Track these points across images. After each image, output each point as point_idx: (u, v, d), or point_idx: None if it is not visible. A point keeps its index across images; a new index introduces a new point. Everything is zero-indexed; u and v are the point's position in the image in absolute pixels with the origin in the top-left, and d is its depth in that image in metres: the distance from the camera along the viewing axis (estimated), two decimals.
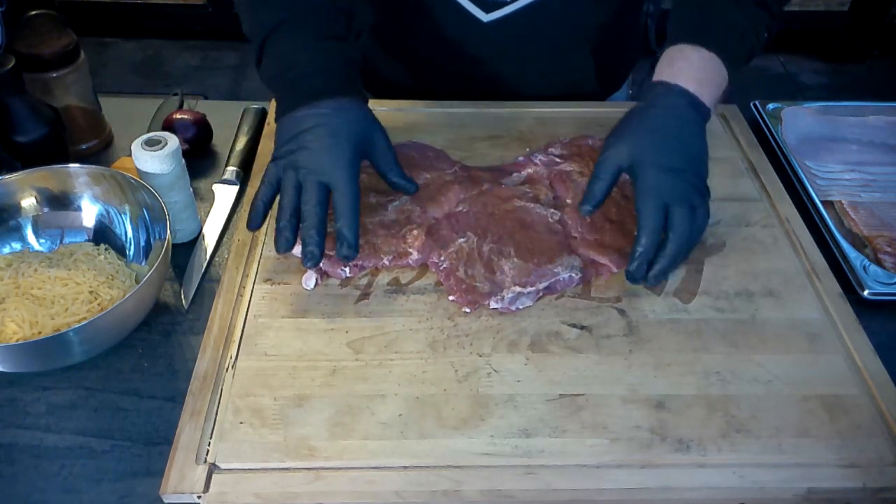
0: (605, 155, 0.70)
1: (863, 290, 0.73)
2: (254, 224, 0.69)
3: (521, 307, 0.69)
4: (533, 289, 0.68)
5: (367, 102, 0.72)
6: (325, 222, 0.66)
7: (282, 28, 0.72)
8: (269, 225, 0.77)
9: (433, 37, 0.91)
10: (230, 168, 0.85)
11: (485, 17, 0.88)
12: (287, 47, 0.72)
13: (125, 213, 0.74)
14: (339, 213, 0.66)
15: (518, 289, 0.68)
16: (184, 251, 0.76)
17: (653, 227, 0.66)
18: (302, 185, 0.67)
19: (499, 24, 0.88)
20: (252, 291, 0.70)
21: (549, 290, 0.70)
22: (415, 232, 0.73)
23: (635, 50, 1.05)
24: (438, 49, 0.92)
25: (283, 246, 0.67)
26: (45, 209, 0.74)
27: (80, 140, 0.89)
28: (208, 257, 0.76)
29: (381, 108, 0.92)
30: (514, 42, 0.91)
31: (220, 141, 0.90)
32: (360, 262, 0.71)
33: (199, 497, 0.55)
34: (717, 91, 0.72)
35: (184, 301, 0.72)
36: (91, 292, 0.67)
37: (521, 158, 0.83)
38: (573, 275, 0.70)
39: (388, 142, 0.72)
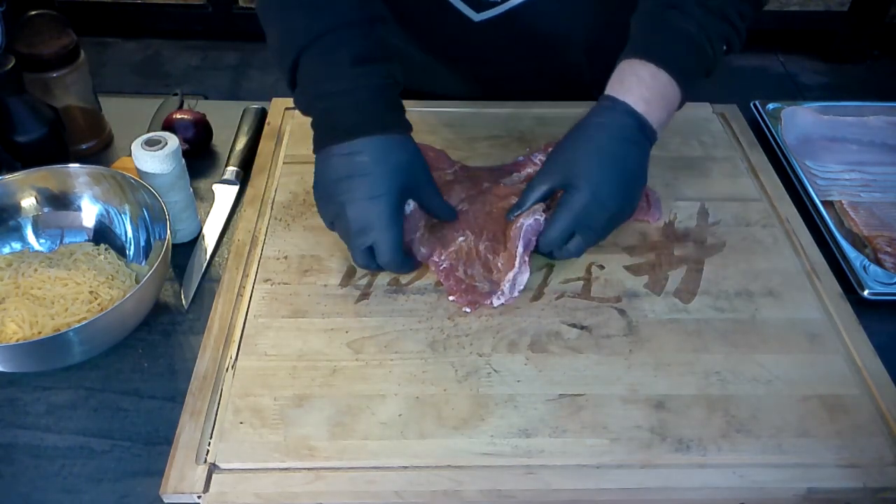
0: (543, 170, 0.71)
1: (863, 290, 0.73)
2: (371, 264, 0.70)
3: (520, 290, 0.69)
4: (518, 263, 0.69)
5: (409, 131, 0.69)
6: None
7: (313, 49, 0.66)
8: (269, 225, 0.77)
9: (425, 37, 0.91)
10: (230, 168, 0.85)
11: (476, 17, 0.88)
12: (319, 74, 0.67)
13: (125, 213, 0.74)
14: (386, 267, 0.69)
15: (510, 275, 0.69)
16: (184, 251, 0.76)
17: (552, 243, 0.69)
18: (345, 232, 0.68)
19: (490, 23, 0.88)
20: (252, 291, 0.70)
21: (527, 248, 0.70)
22: (418, 234, 0.73)
23: None
24: (430, 49, 0.92)
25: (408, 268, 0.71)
26: (45, 209, 0.74)
27: (80, 140, 0.89)
28: (208, 257, 0.76)
29: None
30: (507, 42, 0.90)
31: (220, 141, 0.90)
32: None
33: (199, 497, 0.55)
34: (667, 111, 0.70)
35: (184, 301, 0.72)
36: (91, 292, 0.67)
37: (521, 158, 0.83)
38: (537, 217, 0.70)
39: (429, 175, 0.71)
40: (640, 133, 0.69)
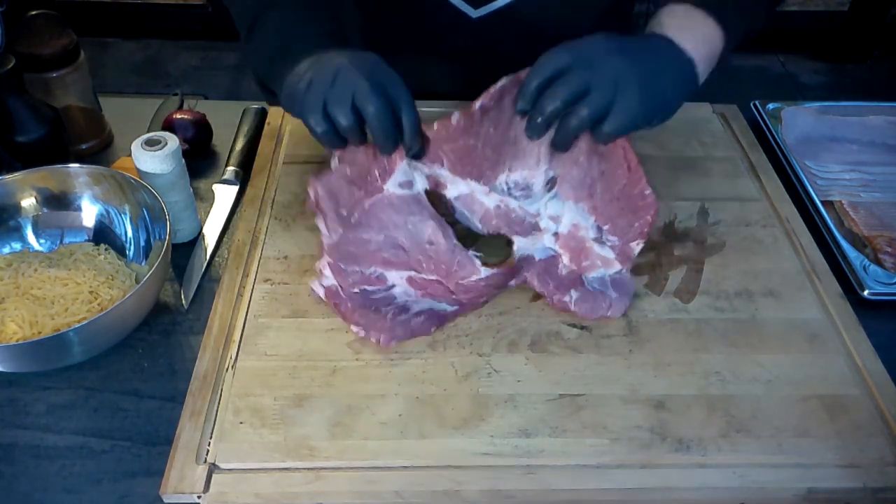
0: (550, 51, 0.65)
1: (863, 290, 0.73)
2: (350, 131, 0.63)
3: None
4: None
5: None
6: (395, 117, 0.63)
7: (269, 11, 0.70)
8: (269, 225, 0.77)
9: (422, 34, 0.91)
10: (230, 168, 0.85)
11: (473, 14, 0.88)
12: (274, 25, 0.69)
13: (125, 213, 0.74)
14: (402, 108, 0.62)
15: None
16: (184, 251, 0.76)
17: (538, 70, 0.63)
18: (358, 100, 0.61)
19: (488, 20, 0.88)
20: (252, 291, 0.70)
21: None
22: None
23: None
24: (427, 46, 0.92)
25: (357, 137, 0.63)
26: (45, 209, 0.74)
27: (80, 140, 0.89)
28: (208, 257, 0.76)
29: None
30: (504, 38, 0.90)
31: (220, 141, 0.90)
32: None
33: (199, 497, 0.55)
34: (704, 44, 0.66)
35: (184, 301, 0.72)
36: (91, 292, 0.67)
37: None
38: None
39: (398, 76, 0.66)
40: (669, 47, 0.65)
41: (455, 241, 0.68)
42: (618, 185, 0.71)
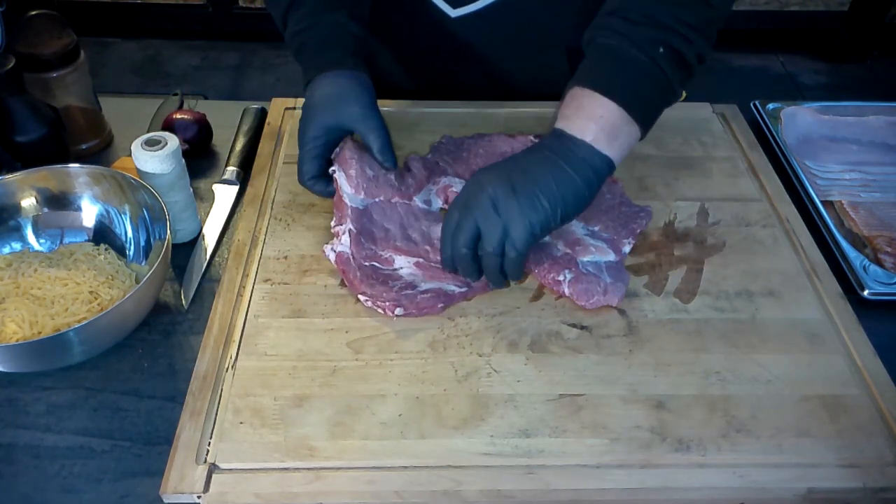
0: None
1: (863, 290, 0.73)
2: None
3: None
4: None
5: (364, 72, 0.77)
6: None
7: (295, 3, 0.78)
8: (269, 225, 0.77)
9: (401, 32, 0.91)
10: (230, 168, 0.85)
11: (452, 13, 0.88)
12: (302, 19, 0.77)
13: (125, 213, 0.74)
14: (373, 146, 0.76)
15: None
16: (184, 251, 0.76)
17: (443, 237, 0.68)
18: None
19: (467, 19, 0.88)
20: (252, 291, 0.70)
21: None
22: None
23: None
24: (407, 44, 0.92)
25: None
26: (45, 209, 0.74)
27: (80, 140, 0.89)
28: (208, 257, 0.76)
29: (383, 108, 0.92)
30: (483, 38, 0.90)
31: (220, 141, 0.90)
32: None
33: (199, 497, 0.55)
34: (592, 121, 0.64)
35: (184, 301, 0.72)
36: (91, 292, 0.67)
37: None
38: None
39: (370, 112, 0.75)
40: (556, 142, 0.65)
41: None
42: (606, 203, 0.77)
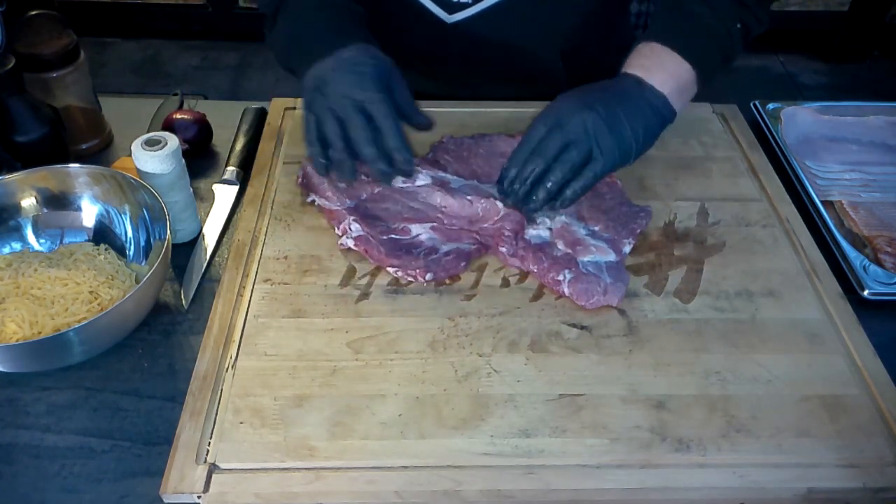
0: (543, 114, 0.72)
1: (863, 290, 0.73)
2: (321, 166, 0.71)
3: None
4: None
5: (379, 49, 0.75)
6: (377, 141, 0.69)
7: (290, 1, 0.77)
8: (269, 225, 0.77)
9: (398, 38, 0.91)
10: (230, 168, 0.85)
11: (448, 19, 0.88)
12: (302, 11, 0.76)
13: (125, 213, 0.74)
14: (385, 133, 0.68)
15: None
16: (184, 251, 0.76)
17: (518, 153, 0.70)
18: (342, 117, 0.69)
19: (463, 25, 0.88)
20: (252, 291, 0.70)
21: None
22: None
23: (622, 53, 1.04)
24: (403, 50, 0.92)
25: (349, 172, 0.70)
26: (45, 209, 0.74)
27: (80, 140, 0.89)
28: (208, 257, 0.76)
29: None
30: (479, 44, 0.90)
31: (220, 141, 0.90)
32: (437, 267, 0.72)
33: (199, 497, 0.55)
34: (672, 78, 0.72)
35: (184, 301, 0.72)
36: (91, 292, 0.67)
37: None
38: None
39: (400, 76, 0.74)
40: (637, 88, 0.71)
41: (466, 197, 0.76)
42: (606, 203, 0.78)
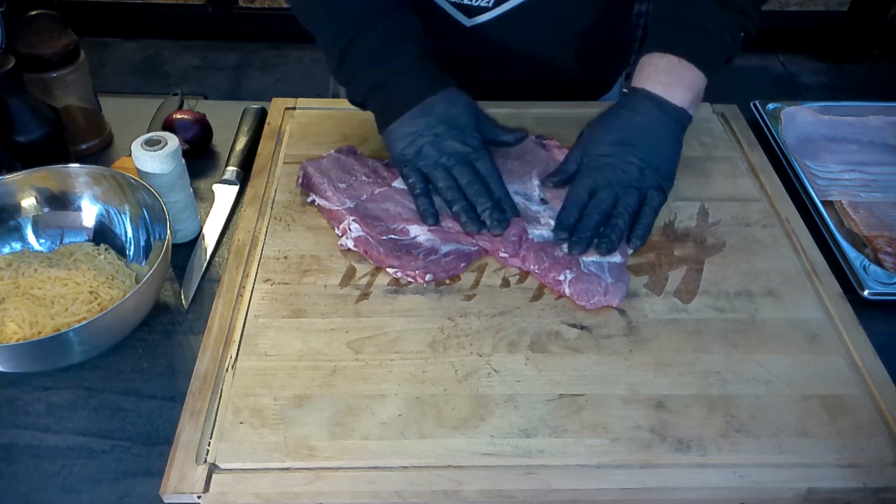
0: (567, 157, 0.78)
1: (863, 290, 0.73)
2: (433, 220, 0.74)
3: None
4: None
5: (454, 86, 0.78)
6: (489, 191, 0.74)
7: (360, 36, 0.75)
8: (269, 225, 0.77)
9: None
10: (230, 168, 0.85)
11: (468, 22, 0.88)
12: (377, 51, 0.75)
13: (125, 213, 0.74)
14: (493, 185, 0.74)
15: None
16: (184, 251, 0.76)
17: (573, 203, 0.73)
18: (450, 170, 0.74)
19: (482, 28, 0.88)
20: (252, 291, 0.70)
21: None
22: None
23: (625, 52, 1.05)
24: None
25: (476, 226, 0.72)
26: (45, 209, 0.74)
27: (80, 140, 0.89)
28: (208, 257, 0.76)
29: None
30: (498, 46, 0.91)
31: (220, 141, 0.90)
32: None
33: (199, 497, 0.55)
34: (691, 91, 0.75)
35: (184, 301, 0.72)
36: (91, 292, 0.67)
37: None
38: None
39: (485, 113, 0.79)
40: (660, 110, 0.74)
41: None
42: None
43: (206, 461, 0.57)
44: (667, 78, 0.74)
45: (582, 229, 0.71)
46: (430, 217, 0.74)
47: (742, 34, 0.77)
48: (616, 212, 0.72)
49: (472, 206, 0.73)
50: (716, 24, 0.75)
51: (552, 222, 0.75)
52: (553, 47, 0.93)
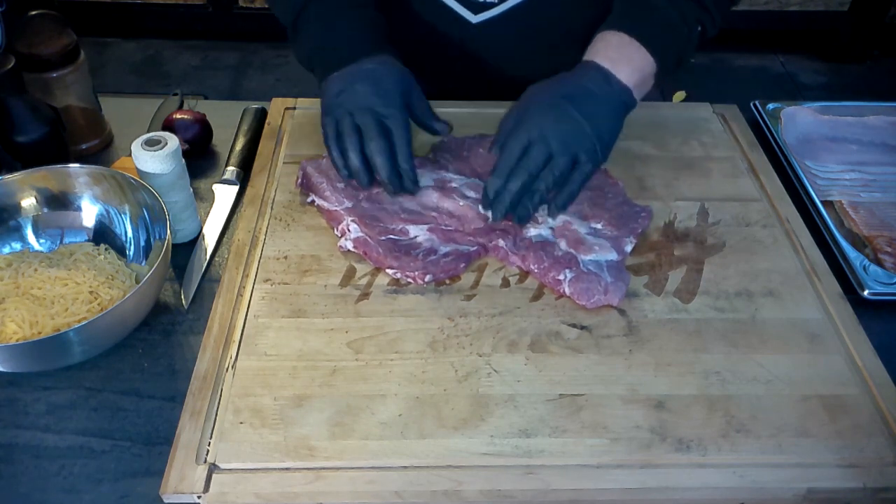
0: (501, 124, 0.75)
1: (863, 290, 0.73)
2: (345, 172, 0.75)
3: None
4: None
5: (399, 60, 0.78)
6: (391, 152, 0.73)
7: (311, 6, 0.78)
8: (269, 225, 0.77)
9: (422, 38, 0.91)
10: (230, 168, 0.85)
11: (473, 19, 0.88)
12: (323, 19, 0.78)
13: (125, 213, 0.74)
14: (399, 153, 0.73)
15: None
16: (184, 251, 0.76)
17: (503, 165, 0.71)
18: (361, 126, 0.73)
19: (487, 24, 0.88)
20: (252, 291, 0.70)
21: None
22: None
23: None
24: (427, 50, 0.92)
25: (365, 180, 0.74)
26: (45, 209, 0.74)
27: (80, 140, 0.89)
28: (208, 257, 0.76)
29: None
30: (503, 42, 0.91)
31: (220, 141, 0.90)
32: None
33: (199, 497, 0.55)
34: (638, 72, 0.74)
35: (184, 301, 0.72)
36: (91, 292, 0.67)
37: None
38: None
39: (419, 90, 0.78)
40: (605, 81, 0.73)
41: (460, 201, 0.77)
42: (608, 200, 0.79)
43: (206, 461, 0.57)
44: (615, 54, 0.73)
45: (503, 194, 0.71)
46: (341, 169, 0.75)
47: (699, 29, 0.76)
48: (542, 174, 0.70)
49: (368, 162, 0.73)
50: (674, 11, 0.74)
51: (550, 221, 0.75)
52: (560, 43, 0.93)
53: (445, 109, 0.92)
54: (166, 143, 0.72)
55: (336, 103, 0.74)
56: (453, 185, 0.79)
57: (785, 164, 0.87)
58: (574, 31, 0.92)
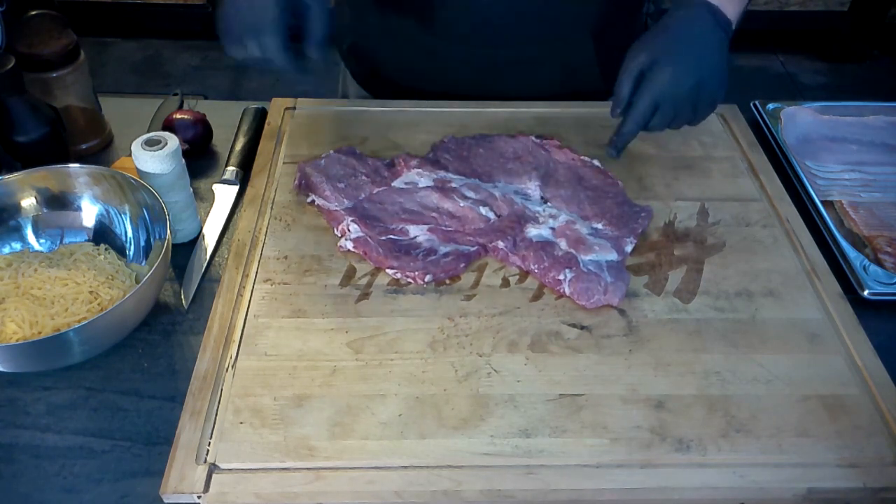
0: (627, 60, 0.75)
1: (863, 290, 0.73)
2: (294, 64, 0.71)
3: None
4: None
5: None
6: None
7: None
8: (269, 225, 0.77)
9: (430, 17, 0.91)
10: (230, 168, 0.85)
11: None
12: None
13: (125, 213, 0.74)
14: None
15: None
16: (184, 251, 0.76)
17: (637, 120, 0.73)
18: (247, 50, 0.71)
19: (496, 3, 0.88)
20: (252, 291, 0.70)
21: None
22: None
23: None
24: (436, 31, 0.92)
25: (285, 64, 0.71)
26: (45, 209, 0.74)
27: (80, 140, 0.89)
28: (208, 257, 0.76)
29: (383, 108, 0.92)
30: (513, 23, 0.90)
31: (220, 141, 0.90)
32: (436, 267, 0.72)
33: (199, 497, 0.55)
34: (741, 4, 0.77)
35: (184, 301, 0.72)
36: (91, 292, 0.67)
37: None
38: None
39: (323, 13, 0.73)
40: (715, 23, 0.74)
41: (460, 201, 0.76)
42: (608, 200, 0.79)
43: (206, 461, 0.57)
44: None
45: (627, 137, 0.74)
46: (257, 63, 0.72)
47: None
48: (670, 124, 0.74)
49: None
50: None
51: (552, 221, 0.75)
52: (570, 25, 0.92)
53: (445, 109, 0.92)
54: (166, 143, 0.72)
55: (227, 29, 0.72)
56: (453, 185, 0.79)
57: (785, 164, 0.87)
58: (584, 14, 0.92)
